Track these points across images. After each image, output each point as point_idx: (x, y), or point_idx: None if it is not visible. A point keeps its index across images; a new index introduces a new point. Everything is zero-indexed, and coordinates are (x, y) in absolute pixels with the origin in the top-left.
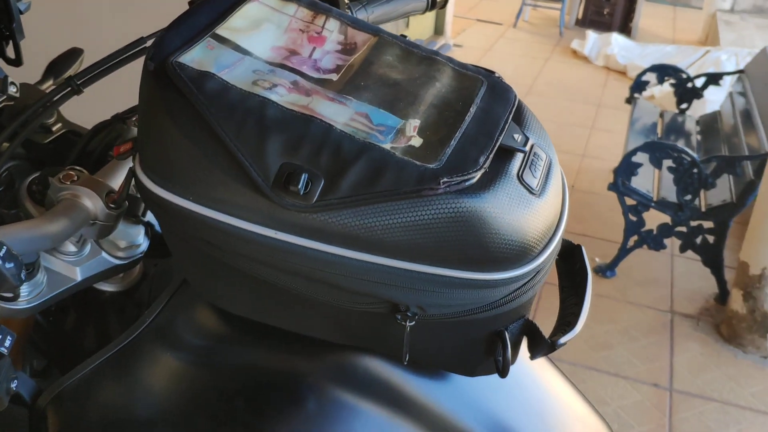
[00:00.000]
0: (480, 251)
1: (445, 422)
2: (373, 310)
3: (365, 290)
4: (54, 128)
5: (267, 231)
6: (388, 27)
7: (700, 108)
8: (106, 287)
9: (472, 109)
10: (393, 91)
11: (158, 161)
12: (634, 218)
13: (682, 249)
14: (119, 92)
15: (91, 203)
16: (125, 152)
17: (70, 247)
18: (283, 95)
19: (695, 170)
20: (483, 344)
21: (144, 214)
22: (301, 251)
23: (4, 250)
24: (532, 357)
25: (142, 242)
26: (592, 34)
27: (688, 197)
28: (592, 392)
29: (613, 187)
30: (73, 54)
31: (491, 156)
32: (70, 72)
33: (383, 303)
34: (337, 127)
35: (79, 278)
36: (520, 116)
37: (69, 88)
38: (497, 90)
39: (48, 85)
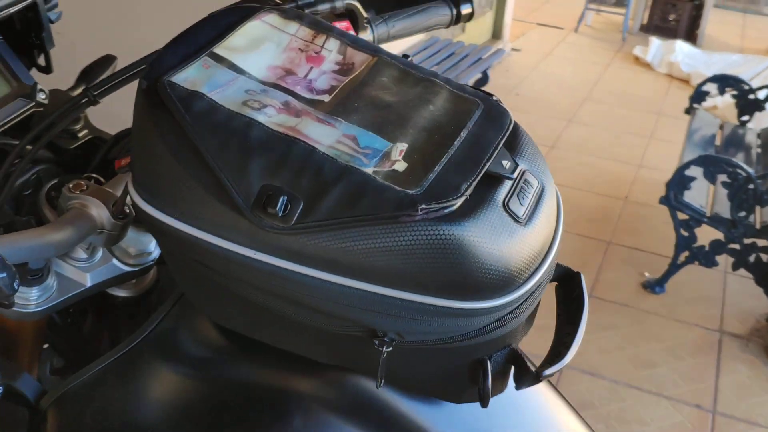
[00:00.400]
0: (460, 279)
1: None
2: (352, 333)
3: (343, 314)
4: (80, 134)
5: (247, 251)
6: (442, 31)
7: (763, 120)
8: (119, 292)
9: (463, 133)
10: (384, 113)
11: (148, 178)
12: (685, 233)
13: (735, 267)
14: None
15: (98, 213)
16: (125, 165)
17: (81, 254)
18: (271, 116)
19: (750, 186)
20: (466, 372)
21: None
22: (280, 273)
23: None
24: (517, 387)
25: (154, 250)
26: (655, 41)
27: (743, 214)
28: (631, 411)
29: (665, 200)
30: (107, 61)
31: (474, 183)
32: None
33: (361, 327)
34: (320, 149)
35: (89, 284)
36: (514, 141)
37: (85, 99)
38: (492, 114)
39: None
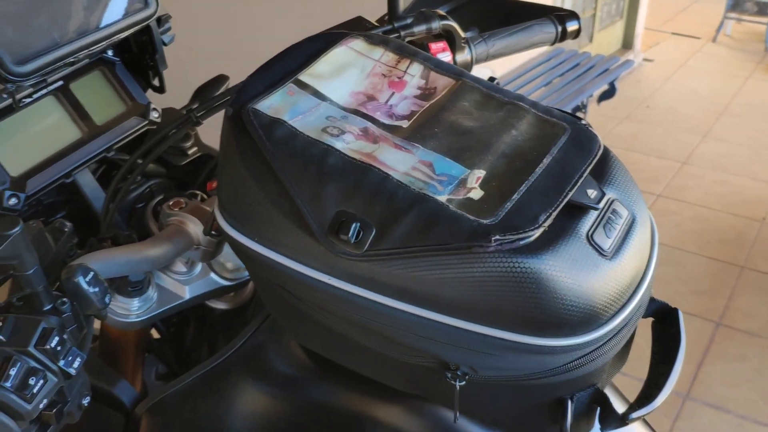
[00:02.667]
0: (538, 314)
1: None
2: (424, 364)
3: (414, 344)
4: (189, 152)
5: (322, 276)
6: (567, 42)
7: None
8: (218, 305)
9: (546, 160)
10: (463, 139)
11: (231, 202)
12: None
13: None
14: None
15: (194, 230)
16: (215, 188)
17: (181, 267)
18: (349, 142)
19: None
20: (546, 410)
21: None
22: (353, 299)
23: (90, 276)
24: (602, 429)
25: None
26: None
27: None
28: None
29: None
30: (219, 80)
31: (554, 213)
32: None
33: (433, 358)
34: (394, 177)
35: (187, 296)
36: (603, 168)
37: (188, 120)
38: (580, 139)
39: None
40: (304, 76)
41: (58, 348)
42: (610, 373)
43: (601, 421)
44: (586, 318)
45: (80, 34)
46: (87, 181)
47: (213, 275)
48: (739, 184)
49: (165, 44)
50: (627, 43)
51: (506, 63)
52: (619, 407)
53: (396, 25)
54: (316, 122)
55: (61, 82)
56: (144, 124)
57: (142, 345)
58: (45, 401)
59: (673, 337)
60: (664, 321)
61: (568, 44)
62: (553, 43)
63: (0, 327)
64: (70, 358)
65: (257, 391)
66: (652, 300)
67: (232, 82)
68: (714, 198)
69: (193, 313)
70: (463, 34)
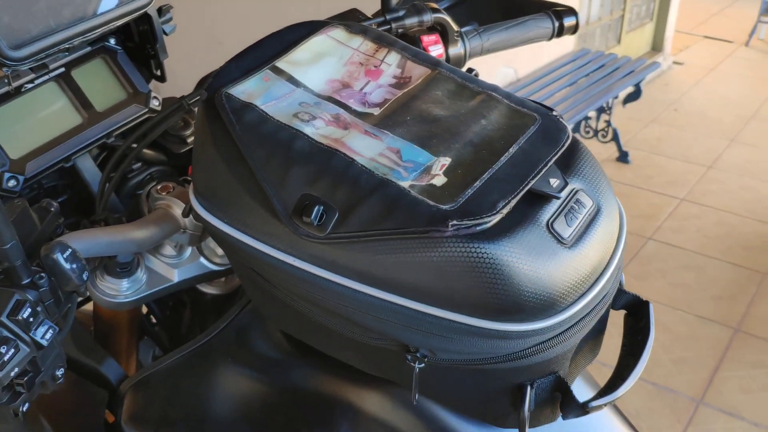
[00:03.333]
0: (494, 299)
1: None
2: (385, 346)
3: (375, 327)
4: (188, 140)
5: (286, 257)
6: (594, 43)
7: None
8: (209, 290)
9: (513, 149)
10: (432, 127)
11: (204, 185)
12: None
13: None
14: None
15: (179, 212)
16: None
17: (170, 251)
18: (318, 128)
19: None
20: (508, 396)
21: None
22: (315, 280)
23: (68, 252)
24: (564, 417)
25: None
26: None
27: None
28: None
29: None
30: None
31: (513, 201)
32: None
33: (393, 341)
34: (359, 161)
35: (176, 279)
36: (570, 159)
37: (180, 106)
38: (549, 130)
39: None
40: (281, 63)
41: (30, 319)
42: (579, 364)
43: (561, 409)
44: (543, 304)
45: (76, 20)
46: (87, 167)
47: (202, 260)
48: (766, 190)
49: (166, 34)
50: (656, 46)
51: (532, 62)
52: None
53: (388, 17)
54: (289, 108)
55: (62, 69)
56: (144, 111)
57: (135, 326)
58: (16, 369)
59: (642, 330)
60: (635, 314)
61: (596, 45)
62: (550, 39)
63: None
64: (42, 330)
65: (237, 373)
66: (623, 292)
67: None
68: (739, 203)
69: (189, 296)
70: (456, 28)
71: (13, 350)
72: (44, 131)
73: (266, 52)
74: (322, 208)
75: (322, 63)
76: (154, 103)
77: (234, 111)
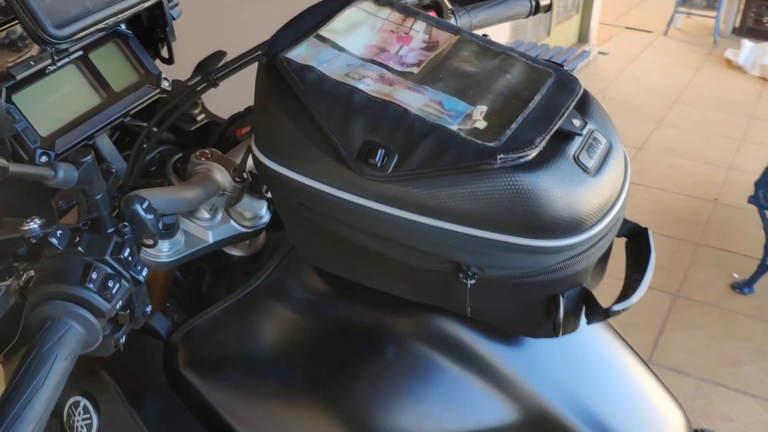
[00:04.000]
0: (534, 221)
1: (512, 382)
2: (440, 269)
3: (432, 251)
4: (198, 118)
5: (352, 197)
6: (527, 34)
7: None
8: (235, 252)
9: (537, 97)
10: (465, 82)
11: (268, 139)
12: None
13: None
14: (251, 88)
15: (221, 176)
16: (246, 133)
17: (205, 214)
18: (369, 85)
19: None
20: (541, 307)
21: (267, 191)
22: (378, 215)
23: (146, 204)
24: (588, 322)
25: (265, 215)
26: (747, 43)
27: None
28: (716, 408)
29: (753, 200)
30: (218, 55)
31: (547, 137)
32: None
33: (448, 262)
34: (411, 111)
35: (210, 240)
36: (584, 105)
37: (207, 82)
38: (564, 81)
39: (195, 81)
40: (324, 32)
41: (129, 258)
42: (595, 280)
43: (587, 315)
44: (574, 224)
45: (109, 3)
46: (105, 145)
47: (233, 222)
48: (692, 168)
49: (174, 18)
50: (583, 37)
51: None
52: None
53: None
54: (339, 69)
55: (80, 52)
56: (156, 92)
57: (168, 285)
58: (120, 302)
59: (643, 252)
60: (636, 239)
61: (528, 37)
62: (527, 16)
63: (78, 241)
64: (138, 268)
65: (281, 314)
66: (625, 221)
67: None
68: (669, 181)
69: (209, 263)
70: (449, 6)
71: (118, 285)
72: (69, 110)
73: (308, 23)
74: (383, 151)
75: (358, 31)
76: (165, 84)
77: (295, 72)
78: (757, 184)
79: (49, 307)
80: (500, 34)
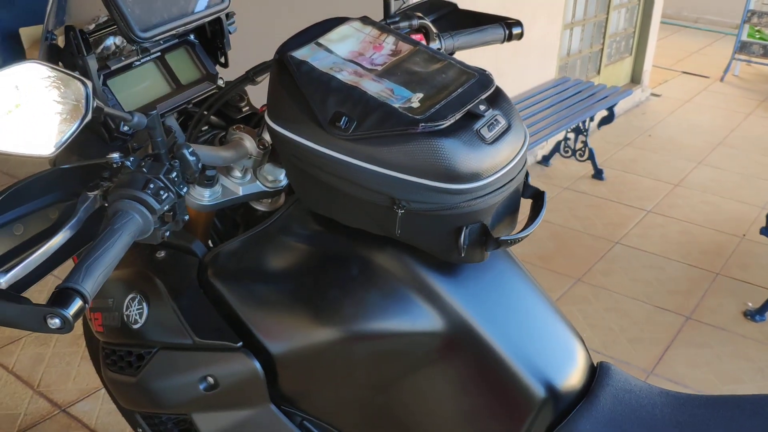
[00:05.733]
0: (443, 170)
1: (442, 298)
2: (382, 203)
3: (377, 189)
4: (244, 109)
5: (324, 150)
6: (575, 72)
7: None
8: (261, 207)
9: (459, 90)
10: (412, 77)
11: (275, 109)
12: None
13: None
14: None
15: (249, 143)
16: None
17: (237, 173)
18: (344, 76)
19: None
20: (451, 235)
21: None
22: (343, 163)
23: (190, 149)
24: (486, 250)
25: (283, 180)
26: None
27: None
28: None
29: (765, 231)
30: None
31: (458, 115)
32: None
33: (387, 198)
34: (369, 93)
35: (240, 193)
36: (495, 99)
37: (246, 77)
38: (482, 81)
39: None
40: (322, 40)
41: (176, 179)
42: (501, 230)
43: (485, 244)
44: (471, 175)
45: (181, 15)
46: (173, 123)
47: (258, 182)
48: (725, 205)
49: (230, 33)
50: (636, 78)
51: (516, 87)
52: None
53: (387, 21)
54: (326, 64)
55: (159, 53)
56: (212, 87)
57: (208, 225)
58: (167, 206)
59: (539, 206)
60: (537, 199)
61: (576, 76)
62: (502, 42)
63: (143, 165)
64: (182, 186)
65: (283, 245)
66: (530, 187)
67: None
68: (700, 216)
69: (242, 216)
70: (435, 31)
71: (166, 194)
72: (147, 95)
73: (312, 34)
74: (347, 118)
75: (346, 41)
76: (220, 82)
77: (295, 64)
78: None
79: (120, 203)
80: (545, 72)
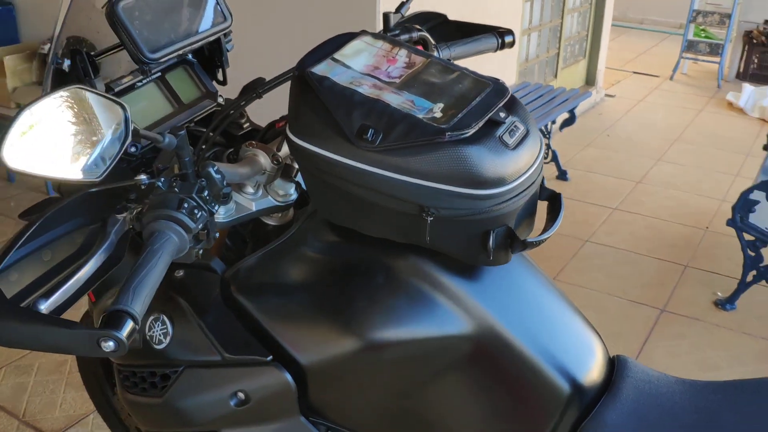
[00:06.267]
0: (470, 177)
1: (466, 301)
2: (410, 211)
3: (405, 198)
4: (244, 126)
5: (352, 162)
6: (534, 77)
7: None
8: (270, 222)
9: (477, 99)
10: (431, 89)
11: (298, 125)
12: (752, 253)
13: None
14: (279, 105)
15: (263, 159)
16: (283, 125)
17: (250, 190)
18: (365, 89)
19: None
20: (479, 239)
21: (295, 176)
22: (370, 174)
23: (215, 168)
24: (512, 252)
25: (293, 194)
26: (748, 87)
27: None
28: None
29: (731, 222)
30: (258, 80)
31: (481, 123)
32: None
33: (415, 206)
34: (392, 105)
35: (254, 209)
36: (512, 106)
37: (254, 94)
38: (498, 90)
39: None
40: (337, 56)
41: (208, 197)
42: (522, 232)
43: (510, 246)
44: (498, 180)
45: (187, 35)
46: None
47: (270, 197)
48: (687, 200)
49: (228, 51)
50: (590, 80)
51: None
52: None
53: (388, 35)
54: (346, 79)
55: (159, 74)
56: (213, 105)
57: (222, 242)
58: (201, 225)
59: (556, 208)
60: (553, 201)
61: (534, 80)
62: (495, 51)
63: (175, 185)
64: (213, 204)
65: (302, 258)
66: (546, 189)
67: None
68: (665, 211)
69: (250, 233)
70: (433, 42)
71: (200, 213)
72: (150, 115)
73: (327, 50)
74: (373, 130)
75: (360, 56)
76: (220, 100)
77: (317, 80)
78: (735, 208)
79: (157, 224)
80: (505, 77)
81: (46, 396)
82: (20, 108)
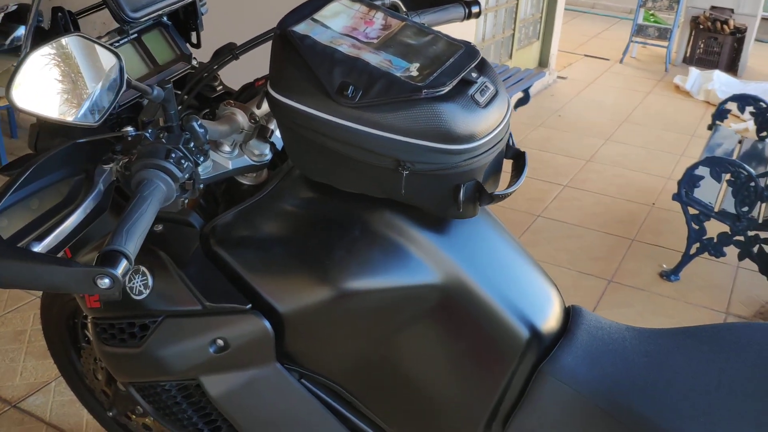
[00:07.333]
0: (444, 133)
1: (435, 252)
2: (387, 165)
3: (382, 152)
4: (217, 89)
5: (332, 118)
6: (489, 56)
7: None
8: (245, 181)
9: (451, 60)
10: (407, 49)
11: (280, 82)
12: (696, 227)
13: (740, 257)
14: (253, 68)
15: (241, 117)
16: (262, 84)
17: (227, 148)
18: (345, 48)
19: (752, 184)
20: (450, 193)
21: (270, 137)
22: (350, 129)
23: (198, 122)
24: (480, 204)
25: (268, 154)
26: (694, 70)
27: (746, 209)
28: None
29: (676, 197)
30: (230, 45)
31: (455, 82)
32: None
33: (392, 160)
34: (371, 63)
35: (230, 167)
36: (482, 67)
37: (231, 56)
38: (469, 52)
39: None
40: (317, 17)
41: (194, 148)
42: (489, 184)
43: (479, 200)
44: (469, 136)
45: None
46: None
47: (246, 157)
48: (635, 178)
49: (203, 14)
50: (543, 62)
51: None
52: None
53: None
54: (326, 38)
55: (136, 35)
56: (188, 67)
57: (197, 202)
58: (187, 175)
59: (520, 166)
60: (518, 159)
61: (491, 58)
62: (462, 20)
63: (162, 136)
64: (198, 155)
65: (280, 213)
66: (512, 147)
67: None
68: (613, 188)
69: (223, 195)
70: (404, 9)
71: (187, 163)
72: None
73: (306, 11)
74: (353, 87)
75: (339, 17)
76: (194, 62)
77: (299, 38)
78: (680, 183)
79: (145, 172)
80: None
81: (5, 364)
82: (26, 52)
